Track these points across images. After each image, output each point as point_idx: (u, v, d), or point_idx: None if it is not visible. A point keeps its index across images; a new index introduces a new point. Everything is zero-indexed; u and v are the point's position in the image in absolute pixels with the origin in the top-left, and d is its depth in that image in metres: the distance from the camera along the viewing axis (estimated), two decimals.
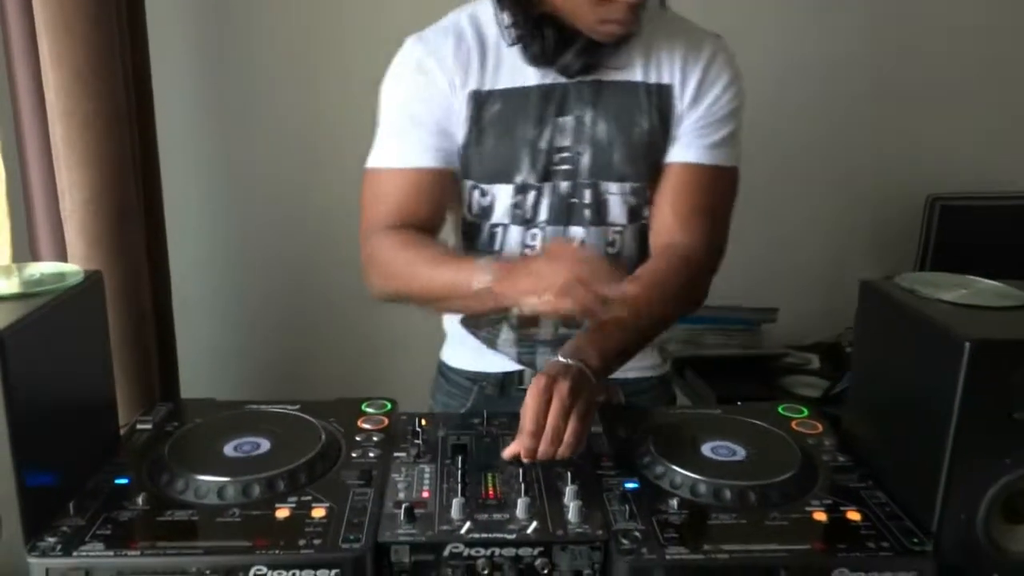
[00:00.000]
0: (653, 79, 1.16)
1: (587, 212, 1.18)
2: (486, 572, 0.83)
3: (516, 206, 1.18)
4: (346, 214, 2.03)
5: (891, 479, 0.94)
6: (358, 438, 1.04)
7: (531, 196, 1.18)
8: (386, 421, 1.08)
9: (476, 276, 1.01)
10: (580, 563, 0.84)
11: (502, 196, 1.18)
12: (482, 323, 1.26)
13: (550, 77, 1.14)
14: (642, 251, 1.23)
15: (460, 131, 1.15)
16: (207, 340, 2.01)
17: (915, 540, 0.85)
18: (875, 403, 1.02)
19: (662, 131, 1.17)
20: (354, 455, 1.00)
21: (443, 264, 1.09)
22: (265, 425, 1.03)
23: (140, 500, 0.88)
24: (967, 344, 0.81)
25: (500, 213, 1.19)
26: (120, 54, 1.27)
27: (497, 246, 1.21)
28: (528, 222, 1.19)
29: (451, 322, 1.35)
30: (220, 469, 0.92)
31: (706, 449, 1.01)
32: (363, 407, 1.12)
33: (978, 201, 2.09)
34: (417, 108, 1.15)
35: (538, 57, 1.11)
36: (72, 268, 0.98)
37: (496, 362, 1.29)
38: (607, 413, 1.12)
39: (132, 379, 1.25)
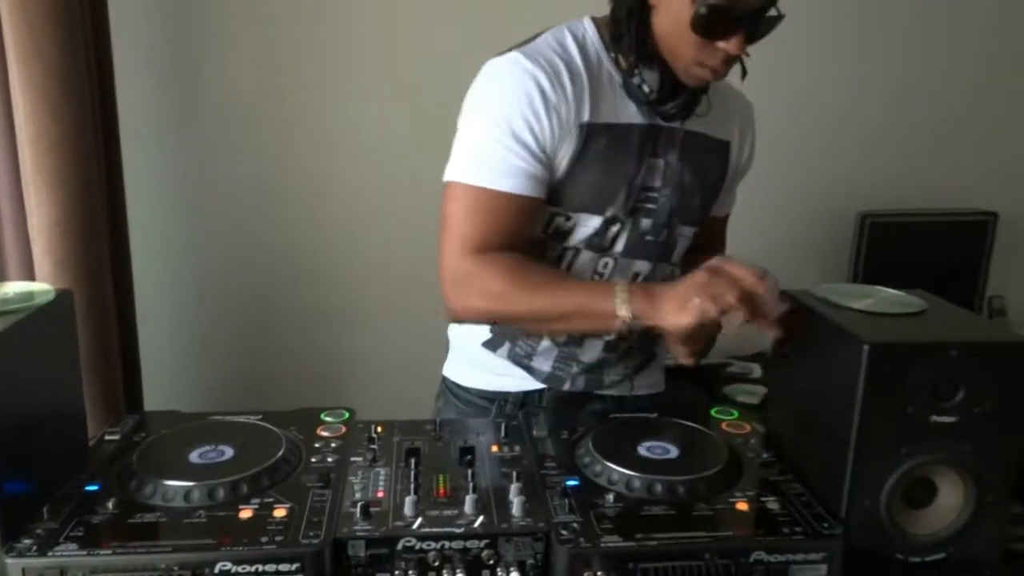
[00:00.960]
0: (721, 135, 1.26)
1: (656, 249, 1.25)
2: (436, 564, 0.90)
3: (596, 235, 1.21)
4: (307, 228, 2.12)
5: (806, 471, 1.04)
6: (317, 445, 1.10)
7: (615, 228, 1.22)
8: (344, 429, 1.15)
9: (613, 298, 1.06)
10: (524, 553, 0.92)
11: (587, 224, 1.20)
12: (514, 333, 1.28)
13: (649, 117, 1.18)
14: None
15: (564, 161, 1.15)
16: (170, 354, 2.06)
17: (825, 524, 0.93)
18: (792, 403, 1.11)
19: (720, 183, 1.28)
20: (314, 460, 1.06)
21: (569, 286, 1.14)
22: (228, 434, 1.09)
23: (110, 505, 0.93)
24: (866, 347, 0.91)
25: (577, 239, 1.21)
26: (87, 79, 1.32)
27: (564, 266, 1.23)
28: (603, 250, 1.23)
29: (463, 340, 1.37)
30: (186, 474, 0.98)
31: (642, 449, 1.09)
32: (322, 416, 1.18)
33: (906, 218, 2.23)
34: (532, 133, 1.11)
35: (650, 99, 1.15)
36: (42, 287, 1.03)
37: (517, 381, 1.33)
38: (552, 418, 1.20)
39: (99, 392, 1.30)
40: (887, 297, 1.09)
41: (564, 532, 0.91)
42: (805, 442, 1.06)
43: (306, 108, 2.03)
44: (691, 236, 1.29)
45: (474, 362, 1.37)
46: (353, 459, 1.07)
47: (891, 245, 2.19)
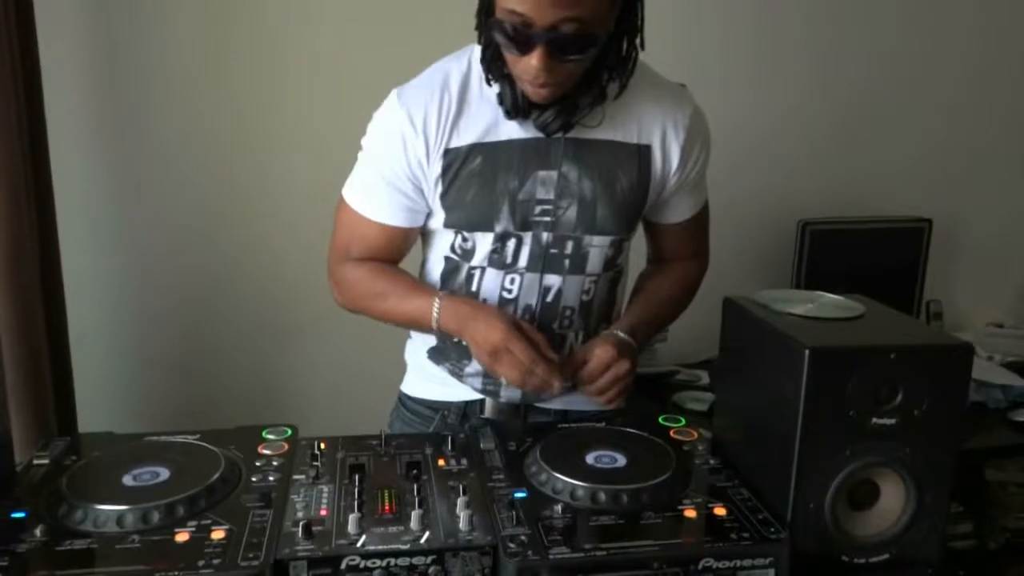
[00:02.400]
0: (633, 140, 1.23)
1: (566, 262, 1.25)
2: None
3: (495, 252, 1.24)
4: (250, 241, 2.07)
5: (753, 476, 1.04)
6: (258, 463, 1.07)
7: (511, 244, 1.23)
8: (286, 446, 1.12)
9: (431, 312, 1.21)
10: (471, 568, 0.90)
11: (483, 243, 1.23)
12: (450, 354, 1.32)
13: (532, 132, 1.18)
14: (611, 294, 1.33)
15: (436, 187, 1.22)
16: (106, 375, 1.99)
17: (772, 529, 0.94)
18: (737, 408, 1.12)
19: (641, 190, 1.25)
20: (254, 479, 1.03)
21: (406, 300, 1.25)
22: (165, 454, 1.05)
23: (38, 532, 0.89)
24: (807, 351, 0.92)
25: (480, 257, 1.25)
26: (11, 79, 1.27)
27: (474, 286, 1.27)
28: (507, 267, 1.25)
29: (413, 354, 1.40)
30: (119, 498, 0.94)
31: (590, 458, 1.08)
32: (264, 434, 1.15)
33: (844, 225, 2.28)
34: (393, 173, 1.22)
35: (512, 113, 1.16)
36: None
37: (459, 392, 1.34)
38: (499, 428, 1.19)
39: (28, 416, 1.25)
40: (827, 302, 1.11)
41: (512, 545, 0.90)
42: (751, 447, 1.06)
43: (250, 116, 1.99)
44: (610, 246, 1.26)
45: (422, 372, 1.38)
46: (295, 477, 1.04)
47: (831, 252, 2.24)
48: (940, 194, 2.45)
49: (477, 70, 1.20)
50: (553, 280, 1.26)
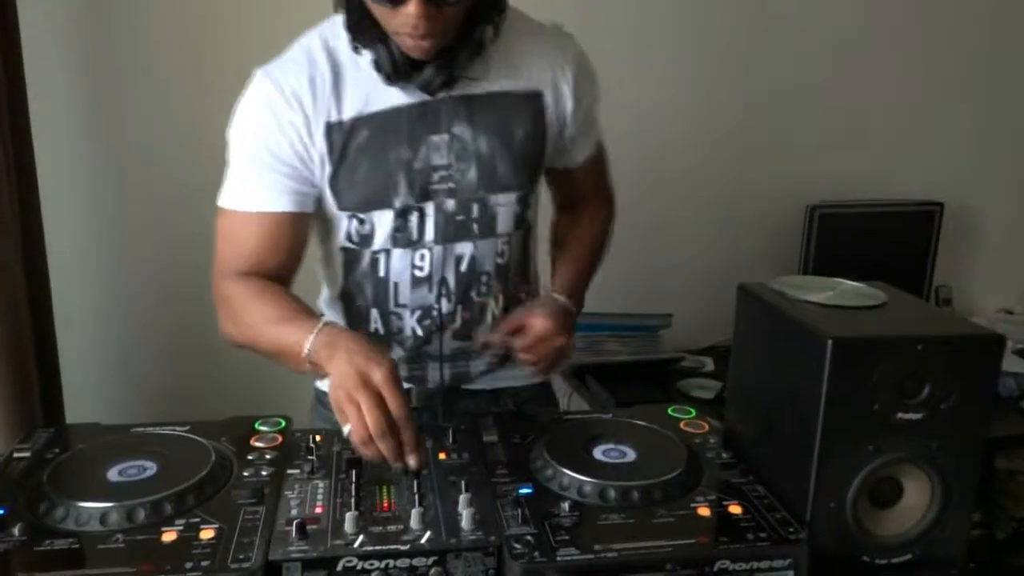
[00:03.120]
0: (521, 87, 1.16)
1: (475, 226, 1.18)
2: None
3: (398, 230, 1.16)
4: None
5: (769, 472, 0.99)
6: (250, 457, 1.02)
7: (414, 218, 1.16)
8: (280, 439, 1.07)
9: (304, 340, 1.01)
10: (475, 570, 0.85)
11: (382, 222, 1.15)
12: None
13: (416, 96, 1.11)
14: (525, 252, 1.27)
15: (323, 166, 1.12)
16: (94, 362, 1.93)
17: (791, 529, 0.89)
18: (752, 401, 1.07)
19: (539, 138, 1.19)
20: (246, 474, 0.98)
21: (283, 324, 1.06)
22: (152, 448, 1.01)
23: (16, 531, 0.84)
24: (830, 342, 0.86)
25: (381, 239, 1.17)
26: None
27: (381, 272, 1.19)
28: (414, 244, 1.17)
29: None
30: (103, 495, 0.89)
31: (597, 452, 1.04)
32: (256, 426, 1.10)
33: (853, 209, 2.23)
34: (269, 151, 1.11)
35: (392, 77, 1.07)
36: None
37: None
38: (503, 421, 1.14)
39: (9, 405, 1.19)
40: (847, 290, 1.05)
41: (517, 546, 0.85)
42: (766, 442, 1.02)
43: (236, 90, 1.93)
44: (517, 202, 1.19)
45: None
46: (289, 472, 0.99)
47: (840, 236, 2.19)
48: (951, 177, 2.40)
49: (343, 40, 1.11)
50: (464, 248, 1.19)
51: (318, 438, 1.07)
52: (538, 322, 1.17)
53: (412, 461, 0.95)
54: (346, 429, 0.95)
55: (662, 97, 2.16)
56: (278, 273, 1.15)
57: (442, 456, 1.04)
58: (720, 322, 2.26)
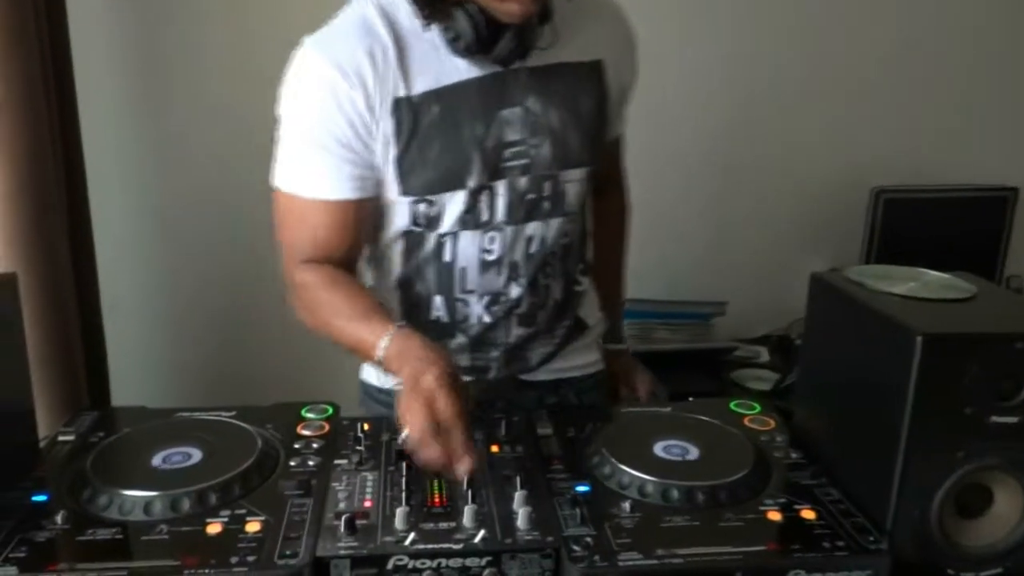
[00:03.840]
0: (585, 57, 1.12)
1: (546, 205, 1.12)
2: None
3: (468, 211, 1.09)
4: None
5: (844, 475, 0.93)
6: (297, 445, 0.99)
7: (484, 198, 1.09)
8: (327, 427, 1.04)
9: (378, 344, 0.98)
10: (531, 571, 0.81)
11: (453, 204, 1.08)
12: (428, 335, 1.12)
13: (484, 68, 1.05)
14: (583, 234, 1.24)
15: (387, 147, 1.05)
16: (142, 343, 1.93)
17: (871, 538, 0.83)
18: (826, 398, 1.01)
19: (601, 109, 1.15)
20: (292, 464, 0.95)
21: (358, 322, 1.03)
22: (197, 434, 0.98)
23: (59, 518, 0.82)
24: (919, 338, 0.80)
25: (450, 221, 1.10)
26: (35, 31, 1.18)
27: (447, 256, 1.13)
28: (484, 225, 1.11)
29: None
30: (147, 483, 0.87)
31: (658, 448, 0.98)
32: (303, 412, 1.07)
33: (922, 194, 2.12)
34: (328, 132, 1.03)
35: (471, 48, 1.00)
36: None
37: None
38: (556, 413, 1.09)
39: (56, 387, 1.18)
40: (932, 280, 0.98)
41: (576, 548, 0.80)
42: (842, 443, 0.95)
43: (282, 64, 1.89)
44: (585, 179, 1.15)
45: None
46: (337, 462, 0.96)
47: (906, 222, 2.09)
48: None
49: (402, 8, 1.03)
50: (535, 228, 1.13)
51: (366, 426, 1.03)
52: (643, 389, 1.35)
53: (459, 469, 0.87)
54: (402, 436, 0.90)
55: (719, 76, 2.08)
56: (347, 256, 1.12)
57: (495, 449, 1.00)
58: (776, 310, 2.18)
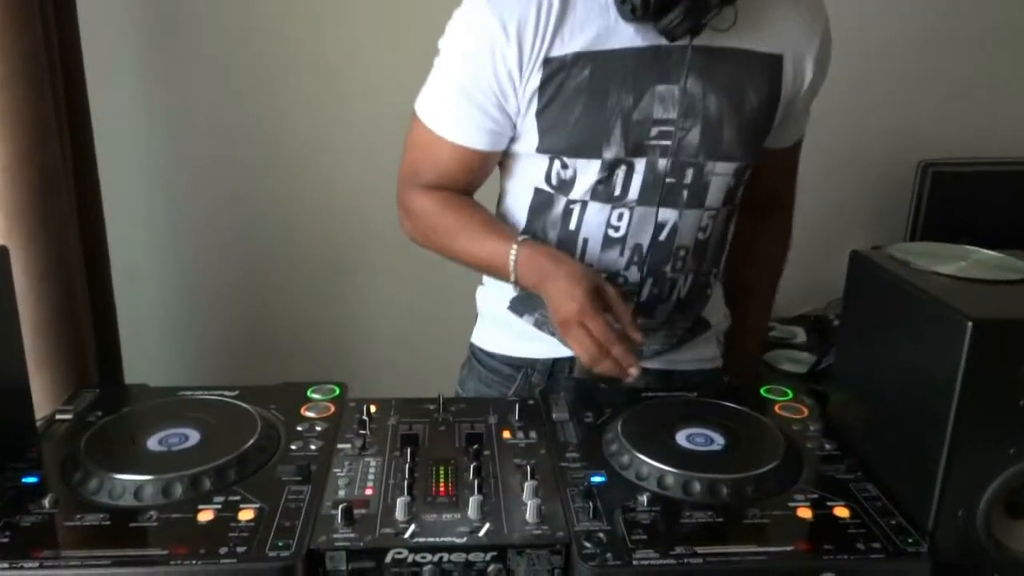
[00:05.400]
0: (764, 48, 1.05)
1: (685, 193, 1.07)
2: None
3: (601, 182, 1.06)
4: (311, 172, 1.93)
5: (882, 470, 0.86)
6: (300, 428, 0.95)
7: (621, 172, 1.05)
8: (332, 408, 0.99)
9: (507, 258, 1.03)
10: (539, 568, 0.76)
11: (587, 172, 1.05)
12: (536, 303, 1.14)
13: (650, 38, 1.00)
14: (725, 234, 1.17)
15: (531, 102, 1.03)
16: (158, 317, 1.90)
17: (909, 540, 0.77)
18: (864, 385, 0.93)
19: (770, 106, 1.08)
20: (293, 447, 0.91)
21: (480, 241, 1.07)
22: (197, 414, 0.94)
23: (47, 502, 0.79)
24: (970, 324, 0.72)
25: (581, 190, 1.07)
26: (40, 3, 1.15)
27: (572, 224, 1.09)
28: (615, 200, 1.07)
29: (489, 304, 1.23)
30: (139, 466, 0.83)
31: (681, 437, 0.92)
32: (308, 392, 1.03)
33: (972, 167, 2.00)
34: (476, 85, 1.03)
35: (639, 13, 0.96)
36: None
37: (546, 347, 1.17)
38: (573, 395, 1.04)
39: (61, 364, 1.15)
40: (983, 260, 0.90)
41: (588, 545, 0.75)
42: (881, 434, 0.88)
43: (305, 43, 1.84)
44: (733, 175, 1.09)
45: (501, 326, 1.22)
46: (340, 446, 0.92)
47: (956, 198, 1.97)
48: None
49: None
50: (668, 215, 1.08)
51: (373, 408, 0.99)
52: None
53: (632, 372, 0.97)
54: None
55: None
56: (464, 190, 1.14)
57: (506, 435, 0.95)
58: (813, 289, 2.09)
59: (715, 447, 0.91)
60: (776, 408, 1.02)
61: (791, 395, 1.06)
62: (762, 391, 1.06)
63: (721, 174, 1.07)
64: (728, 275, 1.26)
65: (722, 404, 1.00)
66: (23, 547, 0.73)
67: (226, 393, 1.01)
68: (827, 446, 0.93)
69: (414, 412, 1.00)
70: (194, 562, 0.72)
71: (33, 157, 1.12)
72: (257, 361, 1.95)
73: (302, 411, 0.98)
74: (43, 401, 1.07)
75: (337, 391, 1.04)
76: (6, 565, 0.71)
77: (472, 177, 1.12)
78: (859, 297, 0.95)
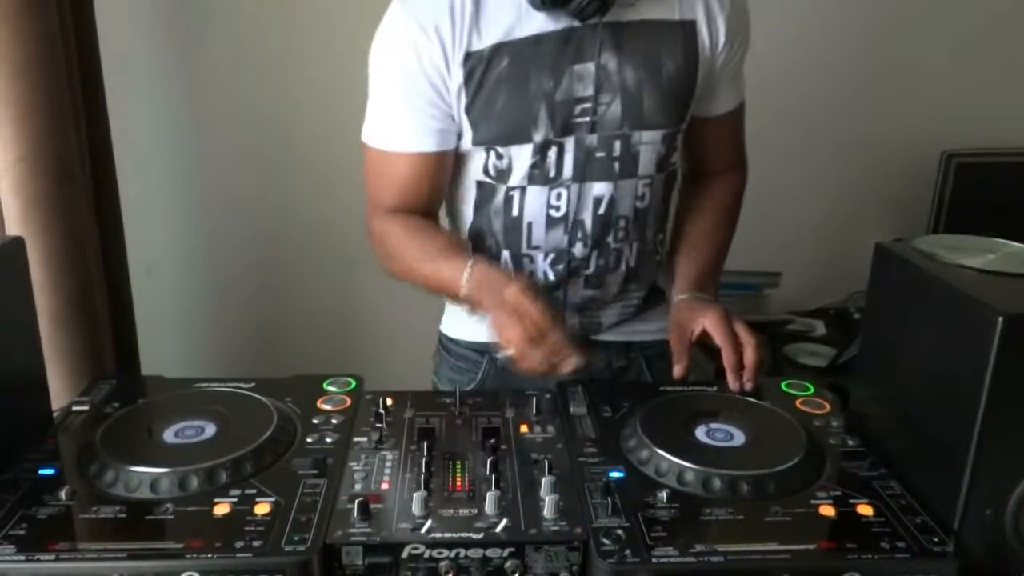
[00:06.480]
0: (675, 16, 1.06)
1: (616, 165, 1.09)
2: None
3: (535, 166, 1.08)
4: (328, 162, 1.92)
5: (906, 467, 0.85)
6: (315, 420, 0.94)
7: (552, 153, 1.08)
8: (348, 401, 0.99)
9: (460, 279, 1.04)
10: (556, 565, 0.75)
11: (521, 157, 1.08)
12: None
13: (562, 22, 1.03)
14: (665, 200, 1.18)
15: (459, 98, 1.06)
16: (176, 308, 1.91)
17: (935, 539, 0.75)
18: (888, 380, 0.92)
19: (689, 72, 1.08)
20: (309, 440, 0.90)
21: (438, 261, 1.08)
22: (213, 407, 0.94)
23: (63, 494, 0.78)
24: (1000, 319, 0.71)
25: (518, 175, 1.10)
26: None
27: (515, 210, 1.12)
28: (551, 181, 1.10)
29: None
30: (155, 459, 0.83)
31: (700, 432, 0.91)
32: (324, 385, 1.02)
33: (996, 158, 1.98)
34: (412, 89, 1.06)
35: (548, 2, 0.99)
36: None
37: None
38: (593, 390, 1.02)
39: (78, 355, 1.15)
40: (1011, 253, 0.88)
41: (606, 541, 0.74)
42: (905, 430, 0.86)
43: (320, 39, 1.83)
44: (662, 141, 1.10)
45: (464, 313, 1.21)
46: (356, 439, 0.91)
47: (979, 188, 1.95)
48: None
49: None
50: (603, 188, 1.10)
51: (389, 402, 0.98)
52: (748, 335, 1.04)
53: (566, 366, 0.93)
54: (506, 349, 0.95)
55: (777, 36, 1.95)
56: (427, 207, 1.15)
57: (524, 429, 0.94)
58: (833, 282, 2.07)
59: (735, 443, 0.90)
60: (797, 403, 1.00)
61: (812, 390, 1.04)
62: (782, 385, 1.05)
63: (648, 143, 1.09)
64: (677, 225, 1.26)
65: (742, 399, 0.99)
66: (39, 539, 0.73)
67: (242, 385, 1.01)
68: (850, 442, 0.91)
69: (431, 405, 0.99)
70: (210, 556, 0.71)
71: (49, 147, 1.12)
72: (273, 353, 1.95)
73: (318, 404, 0.98)
74: (60, 392, 1.07)
75: (353, 384, 1.03)
76: (22, 557, 0.71)
77: (431, 186, 1.13)
78: (884, 291, 0.93)
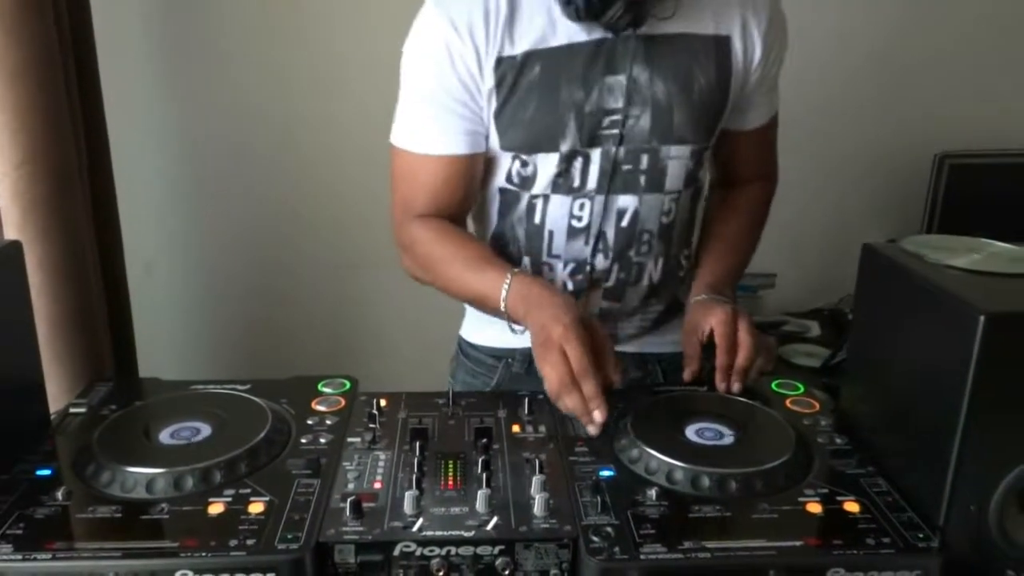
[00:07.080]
0: (709, 31, 1.06)
1: (642, 179, 1.09)
2: (441, 573, 0.75)
3: (560, 175, 1.09)
4: (327, 164, 1.94)
5: (893, 464, 0.86)
6: (310, 421, 0.95)
7: (578, 163, 1.08)
8: (343, 402, 1.00)
9: (499, 291, 1.02)
10: (546, 562, 0.76)
11: (546, 166, 1.08)
12: None
13: (595, 33, 1.03)
14: (691, 216, 1.18)
15: (490, 102, 1.06)
16: (174, 310, 1.92)
17: (920, 535, 0.76)
18: (876, 380, 0.93)
19: (721, 87, 1.09)
20: (303, 441, 0.91)
21: (475, 271, 1.07)
22: (209, 408, 0.95)
23: (60, 494, 0.79)
24: (982, 317, 0.72)
25: (542, 184, 1.10)
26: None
27: (537, 218, 1.13)
28: (575, 191, 1.10)
29: None
30: (150, 459, 0.84)
31: (690, 431, 0.92)
32: (319, 386, 1.03)
33: (989, 160, 1.99)
34: (444, 90, 1.06)
35: (582, 12, 0.99)
36: None
37: (525, 338, 1.16)
38: None
39: (75, 357, 1.16)
40: (997, 252, 0.89)
41: (595, 539, 0.75)
42: (892, 429, 0.87)
43: (320, 39, 1.84)
44: (690, 157, 1.10)
45: (485, 320, 1.24)
46: (350, 440, 0.92)
47: (972, 190, 1.96)
48: None
49: None
50: (628, 201, 1.10)
51: (383, 403, 0.99)
52: (747, 337, 1.05)
53: (595, 416, 0.91)
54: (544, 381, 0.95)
55: None
56: (457, 212, 1.14)
57: (515, 429, 0.95)
58: (827, 283, 2.08)
59: (725, 441, 0.91)
60: (787, 402, 1.01)
61: (802, 389, 1.05)
62: (773, 385, 1.06)
63: (677, 157, 1.09)
64: (701, 230, 1.26)
65: (733, 398, 1.00)
66: (36, 538, 0.74)
67: (238, 387, 1.02)
68: (838, 441, 0.92)
69: (424, 406, 1.00)
70: (204, 554, 0.72)
71: (48, 152, 1.14)
72: (269, 355, 1.96)
73: (313, 405, 0.99)
74: (58, 394, 1.08)
75: (348, 385, 1.04)
76: (20, 556, 0.72)
77: (463, 190, 1.12)
78: (871, 291, 0.94)
